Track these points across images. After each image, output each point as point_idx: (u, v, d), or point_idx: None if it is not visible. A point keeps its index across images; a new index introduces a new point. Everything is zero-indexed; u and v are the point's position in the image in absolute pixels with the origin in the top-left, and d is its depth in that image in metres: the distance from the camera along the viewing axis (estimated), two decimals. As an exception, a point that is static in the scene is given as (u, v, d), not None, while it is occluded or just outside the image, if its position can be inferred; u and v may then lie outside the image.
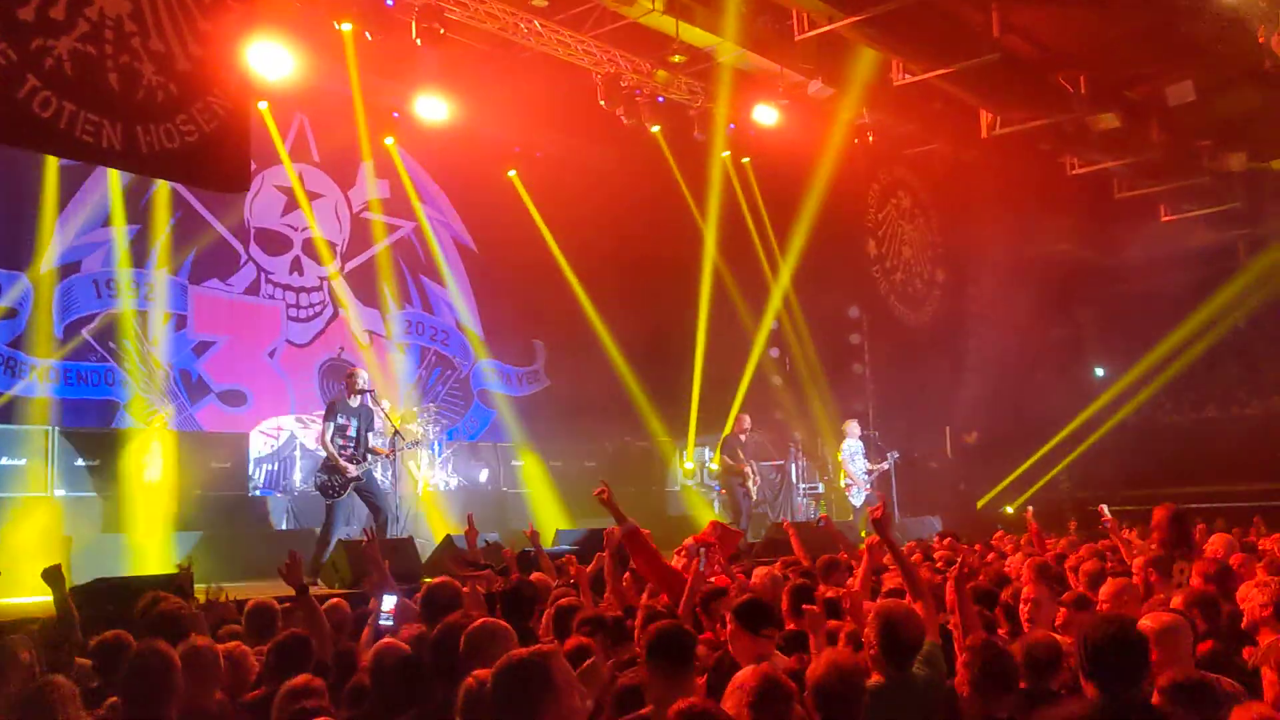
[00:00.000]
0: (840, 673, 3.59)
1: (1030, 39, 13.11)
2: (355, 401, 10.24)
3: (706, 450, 16.11)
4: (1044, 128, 15.16)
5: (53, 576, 4.84)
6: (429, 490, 13.09)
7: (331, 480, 10.00)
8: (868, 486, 14.79)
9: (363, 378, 10.45)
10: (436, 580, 5.14)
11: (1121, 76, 14.43)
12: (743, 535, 7.92)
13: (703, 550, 6.60)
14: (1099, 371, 20.80)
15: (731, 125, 15.32)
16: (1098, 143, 15.63)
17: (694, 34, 12.77)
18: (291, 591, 5.39)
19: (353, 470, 9.96)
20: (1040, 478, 18.34)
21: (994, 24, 12.33)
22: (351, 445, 10.04)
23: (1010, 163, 16.73)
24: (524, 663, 3.15)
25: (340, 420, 10.07)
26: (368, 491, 10.16)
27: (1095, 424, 18.69)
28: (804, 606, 4.84)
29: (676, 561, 6.62)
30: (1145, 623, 4.07)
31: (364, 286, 14.94)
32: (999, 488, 18.01)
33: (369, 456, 10.14)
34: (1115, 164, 16.62)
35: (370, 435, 10.24)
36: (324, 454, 10.16)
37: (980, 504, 17.95)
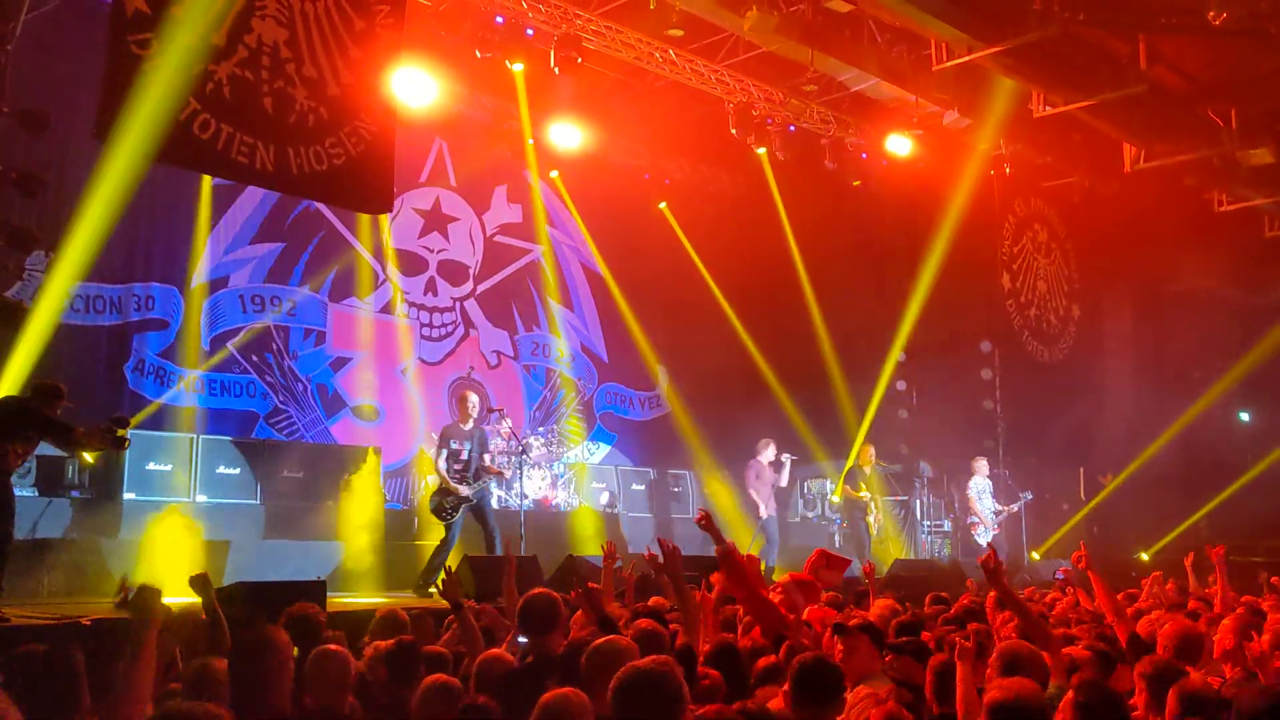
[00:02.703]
0: None
1: (1179, 70, 12.72)
2: (468, 425, 10.50)
3: (827, 482, 15.93)
4: (1190, 162, 14.66)
5: (201, 583, 5.03)
6: (554, 508, 13.23)
7: (444, 502, 10.29)
8: (995, 527, 14.43)
9: (474, 402, 10.71)
10: (533, 592, 5.17)
11: (1275, 110, 13.87)
12: (847, 564, 7.76)
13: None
14: (1244, 416, 19.90)
15: (864, 154, 15.21)
16: (1248, 179, 15.06)
17: (829, 63, 12.72)
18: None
19: (464, 491, 10.20)
20: (1178, 524, 17.60)
21: (1141, 55, 11.97)
22: (462, 468, 10.31)
23: (1153, 197, 16.21)
24: (650, 672, 3.16)
25: (454, 446, 10.39)
26: (480, 511, 10.40)
27: (1239, 470, 17.87)
28: (952, 637, 4.80)
29: (774, 598, 6.54)
30: None
31: (494, 308, 15.25)
32: (1135, 532, 17.35)
33: (483, 476, 10.38)
34: (1266, 201, 15.98)
35: (485, 456, 10.51)
36: (439, 477, 10.46)
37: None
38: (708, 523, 5.92)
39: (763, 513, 13.30)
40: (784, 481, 13.78)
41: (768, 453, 13.55)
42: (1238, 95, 13.54)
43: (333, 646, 4.50)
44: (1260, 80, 13.02)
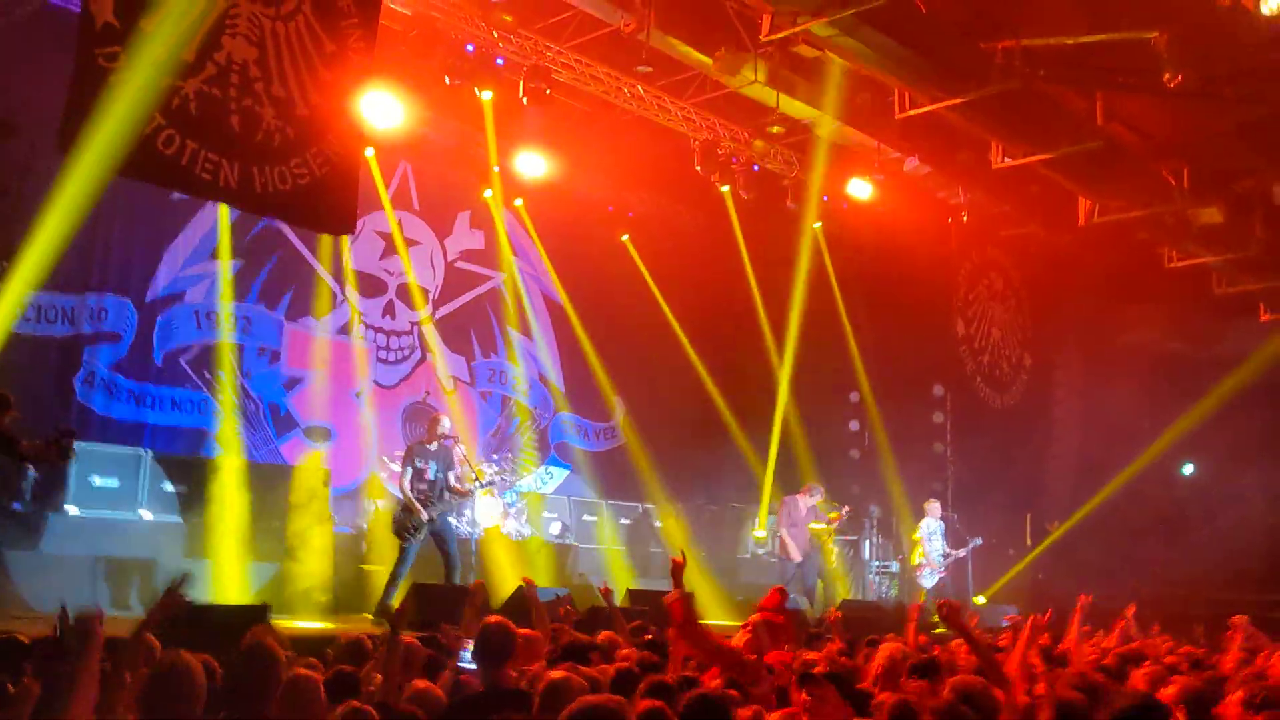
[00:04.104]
0: None
1: (1134, 128, 12.98)
2: (434, 445, 10.44)
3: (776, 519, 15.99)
4: (1143, 218, 14.94)
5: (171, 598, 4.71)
6: (504, 537, 13.16)
7: (407, 523, 10.19)
8: (942, 570, 14.53)
9: (445, 424, 10.67)
10: (489, 620, 5.14)
11: (1227, 170, 14.19)
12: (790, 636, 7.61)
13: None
14: (1188, 468, 20.24)
15: (825, 197, 15.40)
16: (1198, 236, 15.35)
17: (794, 106, 12.91)
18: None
19: (427, 514, 10.12)
20: (1119, 573, 17.83)
21: (1098, 112, 12.24)
22: (427, 488, 10.24)
23: (1106, 251, 16.51)
24: (600, 710, 3.16)
25: (418, 464, 10.30)
26: (441, 537, 10.33)
27: (1181, 521, 18.15)
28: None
29: (740, 637, 6.50)
30: None
31: (453, 333, 15.21)
32: (1077, 579, 17.54)
33: (446, 496, 10.31)
34: (1215, 259, 16.27)
35: (450, 476, 10.45)
36: (402, 497, 10.38)
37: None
38: (678, 570, 5.93)
39: (795, 555, 13.35)
40: (822, 523, 13.94)
41: (810, 498, 13.61)
42: (1191, 155, 13.84)
43: (304, 671, 4.45)
44: (1212, 141, 13.31)
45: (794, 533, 13.41)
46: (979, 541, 15.02)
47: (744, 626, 6.58)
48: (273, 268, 13.43)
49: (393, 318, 14.68)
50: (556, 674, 4.22)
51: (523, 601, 9.14)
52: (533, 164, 14.01)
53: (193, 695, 3.91)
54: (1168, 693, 4.92)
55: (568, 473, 16.15)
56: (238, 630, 5.73)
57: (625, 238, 16.29)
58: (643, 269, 16.30)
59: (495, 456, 14.61)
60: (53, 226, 9.07)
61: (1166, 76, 10.30)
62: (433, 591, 9.25)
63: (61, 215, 8.95)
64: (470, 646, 5.31)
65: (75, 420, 11.31)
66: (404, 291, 14.78)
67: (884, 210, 14.78)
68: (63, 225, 9.12)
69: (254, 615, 7.29)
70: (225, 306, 12.90)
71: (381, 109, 11.69)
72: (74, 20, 7.97)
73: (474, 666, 5.23)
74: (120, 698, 3.95)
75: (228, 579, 10.12)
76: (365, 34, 9.09)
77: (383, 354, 14.56)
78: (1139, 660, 6.94)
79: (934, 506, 14.68)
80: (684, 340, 16.46)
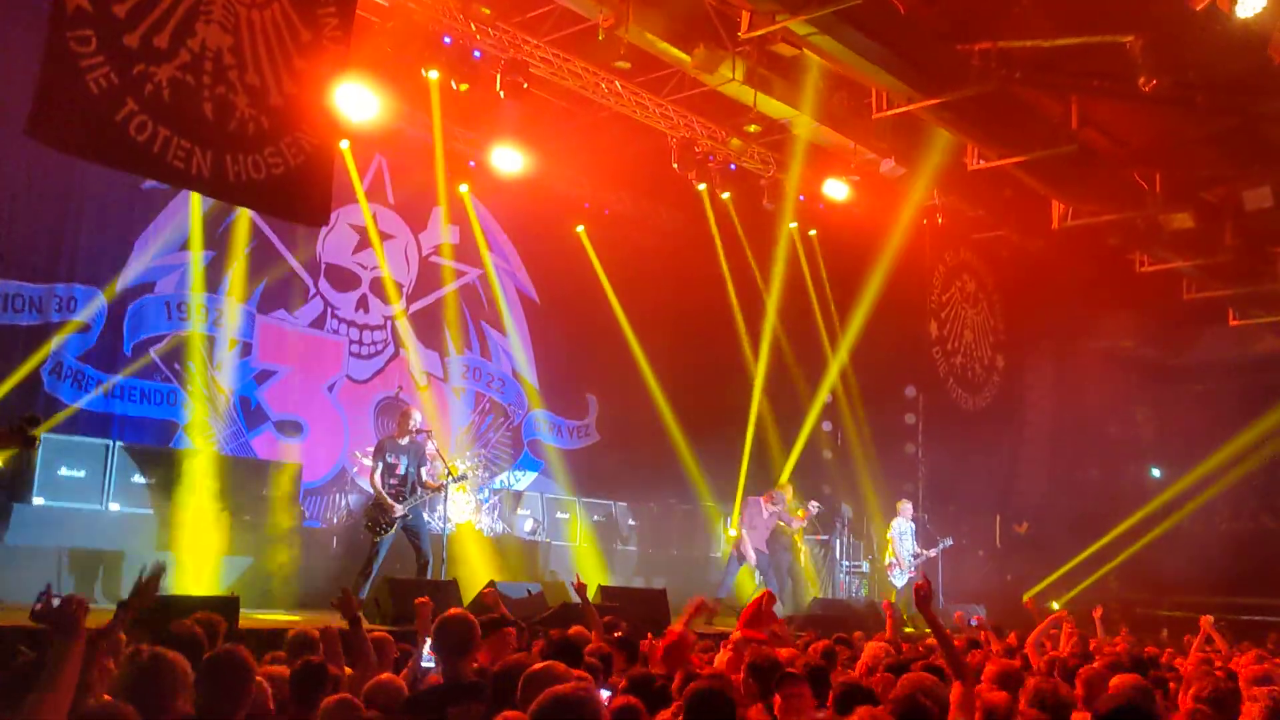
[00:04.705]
0: None
1: (1108, 133, 13.08)
2: (406, 440, 10.39)
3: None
4: (1115, 223, 15.08)
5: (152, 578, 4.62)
6: (477, 533, 13.11)
7: (379, 518, 10.14)
8: (911, 570, 14.59)
9: (416, 418, 10.62)
10: (449, 613, 5.11)
11: (1198, 177, 14.32)
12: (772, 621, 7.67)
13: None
14: (1155, 472, 20.43)
15: (801, 197, 15.42)
16: (1169, 242, 15.50)
17: (771, 105, 12.90)
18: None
19: (399, 509, 10.07)
20: (1089, 576, 17.97)
21: (1073, 116, 12.32)
22: (399, 483, 10.18)
23: (1078, 255, 16.63)
24: (570, 699, 3.15)
25: (389, 459, 10.25)
26: (413, 532, 10.28)
27: (1149, 525, 18.31)
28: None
29: (722, 656, 6.46)
30: None
31: (427, 329, 15.12)
32: (1046, 581, 17.68)
33: (418, 491, 10.27)
34: (1186, 264, 16.43)
35: (422, 471, 10.40)
36: (373, 491, 10.32)
37: (1026, 597, 17.60)
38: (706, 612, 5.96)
39: (750, 556, 13.38)
40: (794, 525, 14.11)
41: (773, 505, 13.65)
42: (1163, 161, 13.96)
43: (235, 648, 4.37)
44: (1185, 147, 13.44)
45: (752, 535, 13.48)
46: (949, 542, 15.11)
47: (725, 645, 6.56)
48: (246, 259, 13.29)
49: (366, 312, 14.59)
50: (537, 666, 4.20)
51: (485, 608, 9.14)
52: (509, 159, 13.94)
53: (176, 687, 3.85)
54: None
55: (540, 469, 16.10)
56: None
57: (580, 228, 16.18)
58: (597, 266, 16.21)
59: (468, 453, 14.56)
60: (21, 215, 8.95)
61: (1141, 81, 10.37)
62: (405, 586, 9.20)
63: (29, 203, 8.83)
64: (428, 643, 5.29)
65: (43, 411, 11.16)
66: (378, 286, 14.69)
67: (860, 211, 14.81)
68: (31, 213, 9.01)
69: (223, 607, 7.21)
70: (196, 298, 12.78)
71: (357, 101, 11.60)
72: (44, 5, 7.85)
73: (433, 665, 5.21)
74: (98, 682, 3.89)
75: (198, 572, 10.03)
76: (342, 24, 9.01)
77: (355, 348, 14.47)
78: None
79: (905, 507, 14.74)
80: (660, 339, 16.45)
